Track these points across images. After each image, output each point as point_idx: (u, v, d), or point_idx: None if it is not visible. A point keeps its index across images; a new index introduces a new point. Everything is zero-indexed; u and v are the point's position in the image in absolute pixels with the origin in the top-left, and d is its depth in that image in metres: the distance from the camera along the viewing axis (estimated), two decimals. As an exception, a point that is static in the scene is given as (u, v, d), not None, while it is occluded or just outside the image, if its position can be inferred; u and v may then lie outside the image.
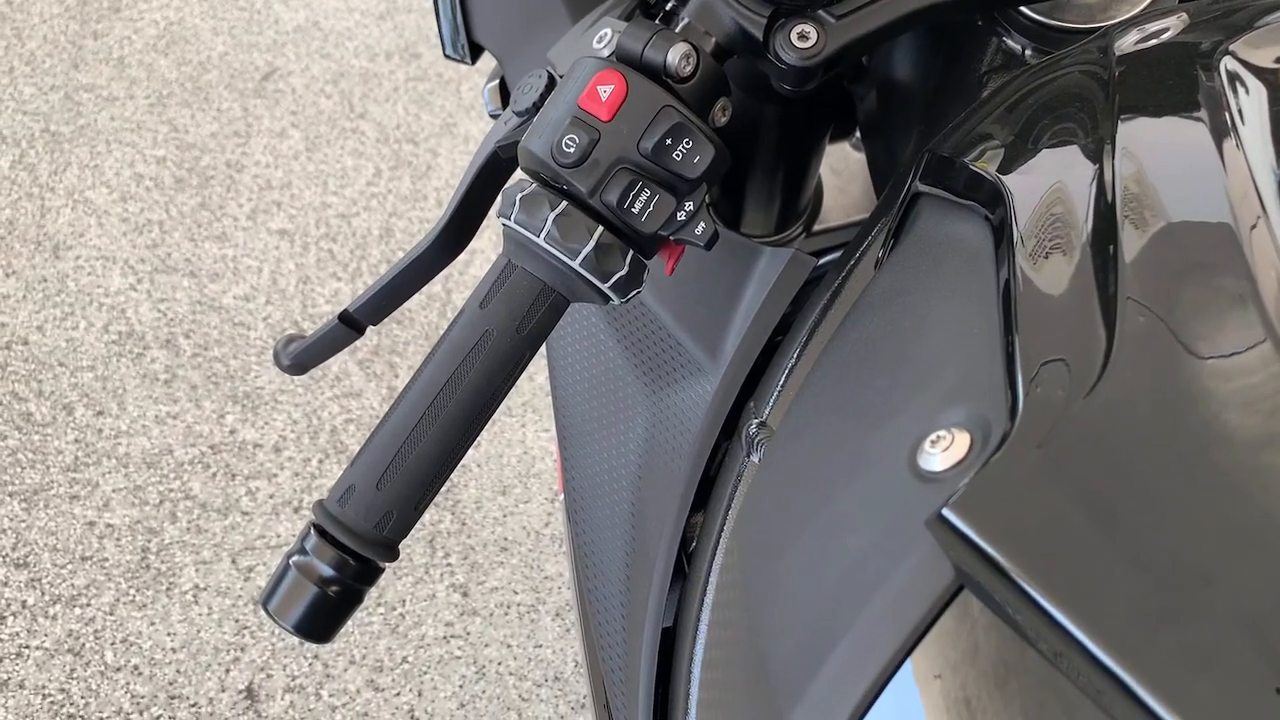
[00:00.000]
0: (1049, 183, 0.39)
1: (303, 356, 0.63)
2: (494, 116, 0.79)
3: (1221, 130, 0.37)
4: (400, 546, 0.50)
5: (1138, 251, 0.34)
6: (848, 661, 0.31)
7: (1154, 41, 0.47)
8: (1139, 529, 0.28)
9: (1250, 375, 0.30)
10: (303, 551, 0.49)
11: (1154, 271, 0.34)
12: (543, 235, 0.47)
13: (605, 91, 0.47)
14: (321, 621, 0.49)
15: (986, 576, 0.29)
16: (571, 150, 0.47)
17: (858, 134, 0.80)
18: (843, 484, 0.36)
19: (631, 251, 0.48)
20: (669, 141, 0.47)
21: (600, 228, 0.47)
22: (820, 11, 0.50)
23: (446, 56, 0.77)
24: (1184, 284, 0.34)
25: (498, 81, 0.78)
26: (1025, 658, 0.28)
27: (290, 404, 1.71)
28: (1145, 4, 0.55)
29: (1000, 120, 0.46)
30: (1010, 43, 0.56)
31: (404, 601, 1.54)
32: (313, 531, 0.49)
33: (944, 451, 0.32)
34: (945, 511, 0.29)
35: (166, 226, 1.91)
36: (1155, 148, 0.39)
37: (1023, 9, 0.54)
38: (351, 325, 0.61)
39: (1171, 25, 0.48)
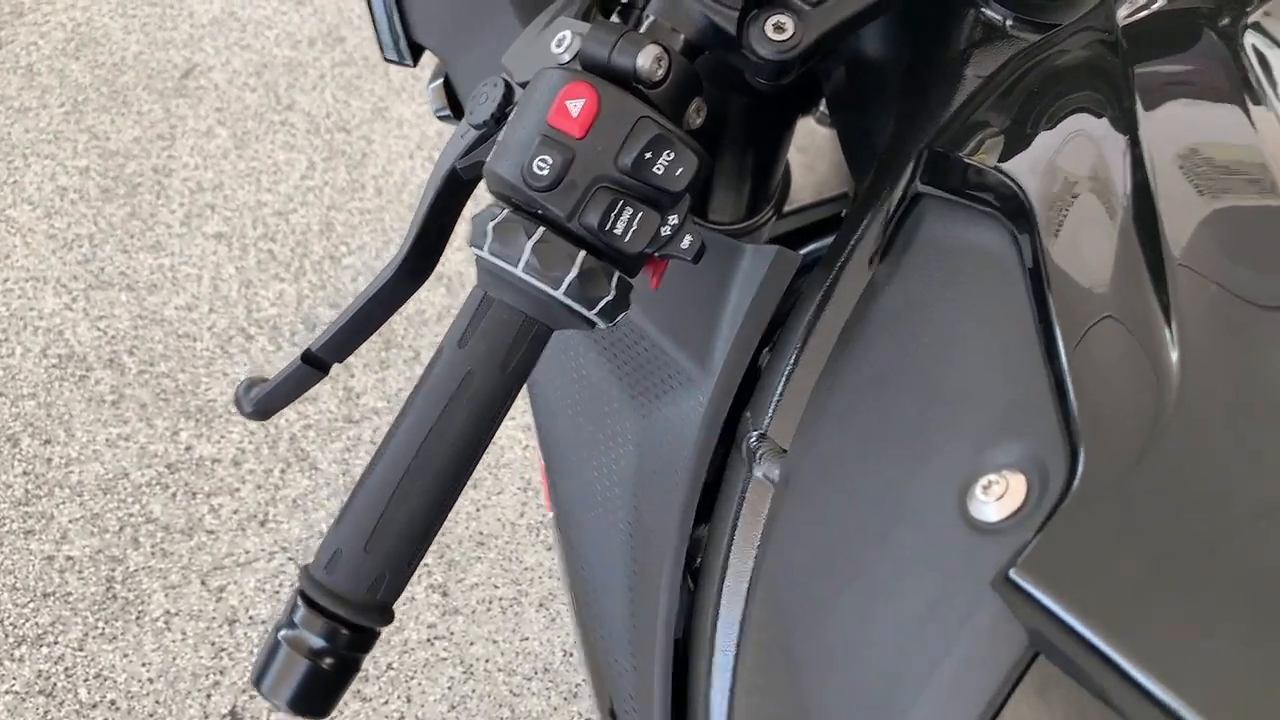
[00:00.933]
0: (1071, 177, 0.36)
1: (266, 401, 0.59)
2: (440, 116, 0.75)
3: (1253, 97, 0.35)
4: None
5: (1185, 241, 0.32)
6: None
7: (1147, 11, 0.44)
8: (1235, 581, 0.26)
9: None
10: (291, 624, 0.45)
11: (1207, 264, 0.31)
12: (521, 265, 0.44)
13: (575, 106, 0.43)
14: (318, 697, 0.46)
15: (1065, 643, 0.26)
16: (545, 172, 0.43)
17: (822, 108, 0.77)
18: (886, 531, 0.33)
19: (617, 273, 0.45)
20: (649, 155, 0.43)
21: (582, 253, 0.44)
22: None
23: (386, 60, 0.72)
24: (1241, 274, 0.31)
25: (441, 80, 0.73)
26: (1115, 728, 0.26)
27: (245, 414, 1.66)
28: None
29: (1001, 109, 0.43)
30: (989, 13, 0.53)
31: (383, 607, 1.51)
32: (300, 602, 0.46)
33: (998, 500, 0.29)
34: (1013, 574, 0.27)
35: (97, 240, 1.83)
36: (1183, 124, 0.36)
37: None
38: (315, 365, 0.57)
39: None
